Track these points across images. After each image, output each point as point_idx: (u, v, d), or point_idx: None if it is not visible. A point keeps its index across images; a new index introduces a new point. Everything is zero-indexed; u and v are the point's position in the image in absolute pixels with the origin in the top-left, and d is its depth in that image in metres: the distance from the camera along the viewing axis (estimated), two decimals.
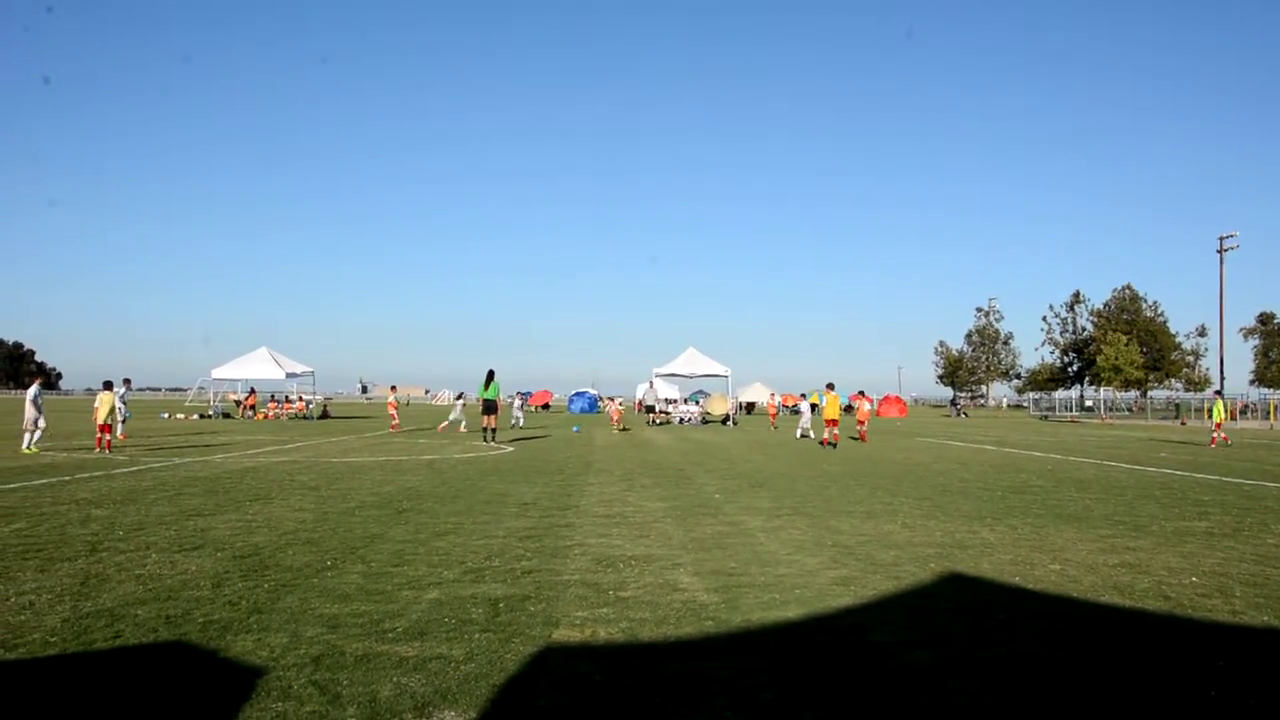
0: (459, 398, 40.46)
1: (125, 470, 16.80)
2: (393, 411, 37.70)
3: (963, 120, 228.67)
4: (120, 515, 10.81)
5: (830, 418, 27.90)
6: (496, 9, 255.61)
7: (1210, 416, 32.58)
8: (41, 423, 22.00)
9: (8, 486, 13.83)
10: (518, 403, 43.73)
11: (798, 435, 33.92)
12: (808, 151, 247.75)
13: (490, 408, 28.60)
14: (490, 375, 28.78)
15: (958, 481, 16.57)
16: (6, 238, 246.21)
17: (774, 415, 49.08)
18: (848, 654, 5.44)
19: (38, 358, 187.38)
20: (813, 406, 37.72)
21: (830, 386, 29.68)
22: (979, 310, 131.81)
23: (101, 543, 8.90)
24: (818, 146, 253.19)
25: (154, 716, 4.32)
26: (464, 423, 36.15)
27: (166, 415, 51.79)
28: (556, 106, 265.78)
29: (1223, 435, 31.68)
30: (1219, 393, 37.81)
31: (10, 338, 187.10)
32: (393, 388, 40.52)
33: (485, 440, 27.84)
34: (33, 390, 22.69)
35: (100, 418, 21.83)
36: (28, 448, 21.44)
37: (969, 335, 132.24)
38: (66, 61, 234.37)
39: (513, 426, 37.75)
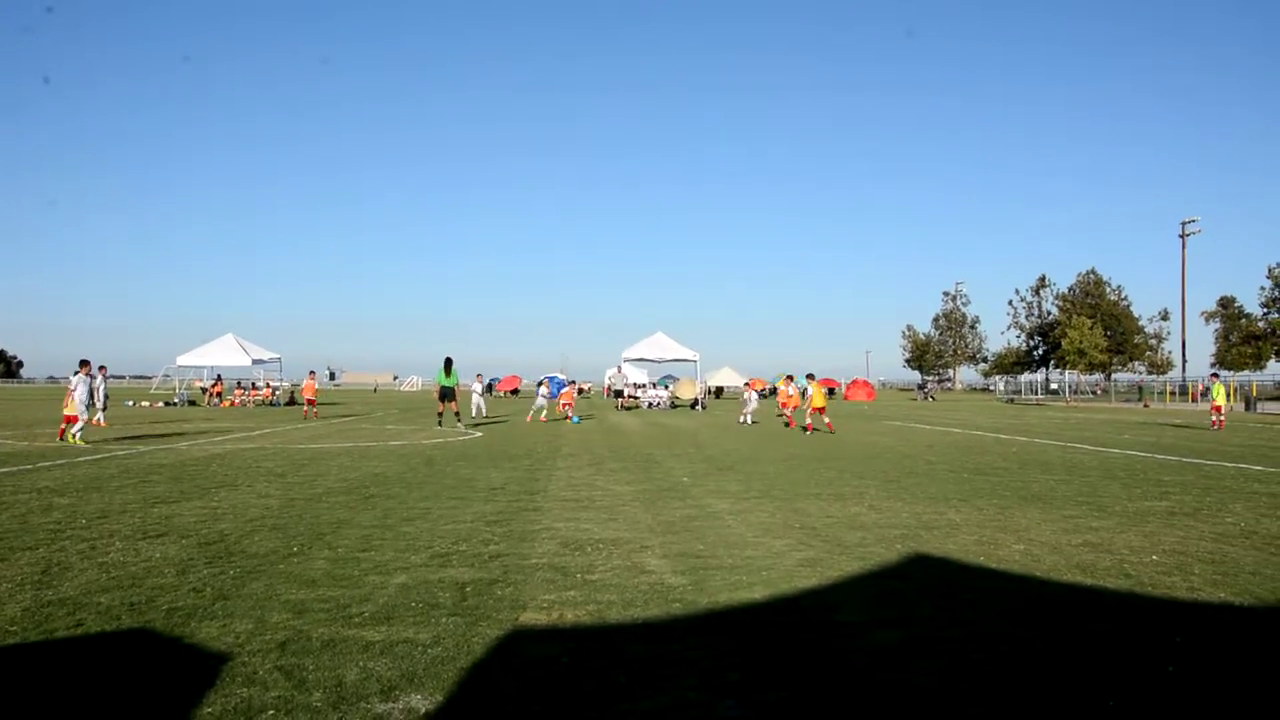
0: (540, 385, 38.47)
1: (88, 458, 16.60)
2: (310, 397, 37.50)
3: (931, 109, 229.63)
4: (83, 503, 10.69)
5: (818, 405, 27.27)
6: None
7: (1215, 398, 31.56)
8: (84, 414, 21.00)
9: None
10: (478, 388, 38.42)
11: (741, 421, 33.33)
12: (776, 139, 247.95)
13: (448, 394, 28.85)
14: (449, 362, 29.03)
15: (924, 464, 16.69)
16: None
17: (786, 404, 35.41)
18: (814, 634, 5.48)
19: None
20: (773, 390, 37.53)
21: (811, 377, 29.60)
22: (946, 294, 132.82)
23: (63, 531, 8.80)
24: (786, 134, 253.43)
25: (117, 703, 4.28)
26: (544, 411, 34.39)
27: (131, 403, 51.21)
28: (527, 94, 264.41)
29: (1219, 419, 30.69)
30: (1216, 374, 36.58)
31: None
32: (311, 373, 39.13)
33: (439, 425, 28.32)
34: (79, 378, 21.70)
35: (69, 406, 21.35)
36: (77, 437, 20.47)
37: (936, 319, 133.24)
38: (66, 61, 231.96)
39: (474, 417, 34.54)
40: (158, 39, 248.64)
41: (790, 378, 30.54)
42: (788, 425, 29.71)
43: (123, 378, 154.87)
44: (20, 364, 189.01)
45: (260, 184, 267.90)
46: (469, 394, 38.05)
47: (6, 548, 7.93)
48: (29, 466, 15.06)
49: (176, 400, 52.00)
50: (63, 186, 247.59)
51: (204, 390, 54.86)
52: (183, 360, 52.02)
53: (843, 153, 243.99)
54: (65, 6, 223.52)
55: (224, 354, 51.40)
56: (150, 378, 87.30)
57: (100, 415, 27.62)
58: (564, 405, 35.21)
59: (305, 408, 36.99)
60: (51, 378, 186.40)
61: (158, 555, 7.66)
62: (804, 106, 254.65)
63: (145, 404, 50.43)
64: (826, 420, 27.27)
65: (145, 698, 4.35)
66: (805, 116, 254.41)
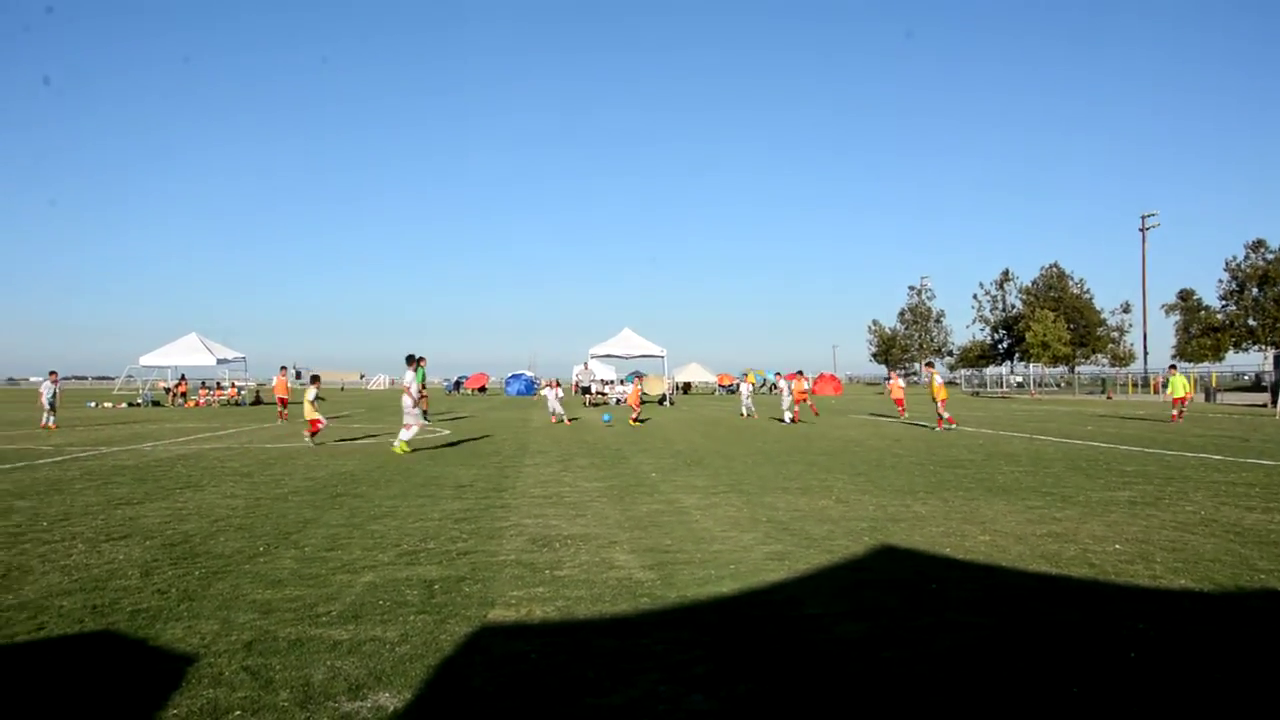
0: (556, 385, 33.03)
1: (50, 460, 16.39)
2: (282, 395, 34.10)
3: (894, 105, 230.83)
4: (44, 506, 10.55)
5: (942, 396, 26.03)
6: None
7: (1171, 391, 30.20)
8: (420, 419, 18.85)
9: None
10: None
11: (742, 414, 34.03)
12: (741, 136, 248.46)
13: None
14: (419, 360, 29.00)
15: (890, 457, 16.81)
16: None
17: (901, 403, 33.33)
18: (781, 627, 5.50)
19: None
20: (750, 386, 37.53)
21: (930, 365, 29.88)
22: (911, 289, 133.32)
23: (24, 534, 8.69)
24: (752, 132, 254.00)
25: (81, 706, 4.24)
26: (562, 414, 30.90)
27: (94, 404, 50.59)
28: (497, 90, 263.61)
29: (1179, 412, 29.26)
30: (1174, 366, 35.03)
31: None
32: (282, 369, 36.39)
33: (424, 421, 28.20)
34: (409, 376, 19.29)
35: (308, 413, 20.56)
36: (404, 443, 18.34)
37: (902, 313, 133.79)
38: (66, 61, 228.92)
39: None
40: (158, 39, 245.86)
41: (930, 365, 30.47)
42: (792, 421, 29.53)
43: (85, 378, 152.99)
44: None
45: (226, 181, 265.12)
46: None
47: None
48: None
49: (140, 401, 51.38)
50: (31, 185, 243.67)
51: (168, 391, 54.21)
52: (146, 360, 51.45)
53: (807, 149, 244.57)
54: (65, 6, 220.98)
55: (188, 354, 50.87)
56: (113, 378, 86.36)
57: (51, 419, 27.36)
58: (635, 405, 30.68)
59: (278, 408, 33.89)
60: (11, 379, 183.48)
61: (121, 557, 7.59)
62: (770, 105, 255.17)
63: (108, 405, 49.78)
64: (947, 415, 25.81)
65: (110, 700, 4.31)
66: (771, 114, 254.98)
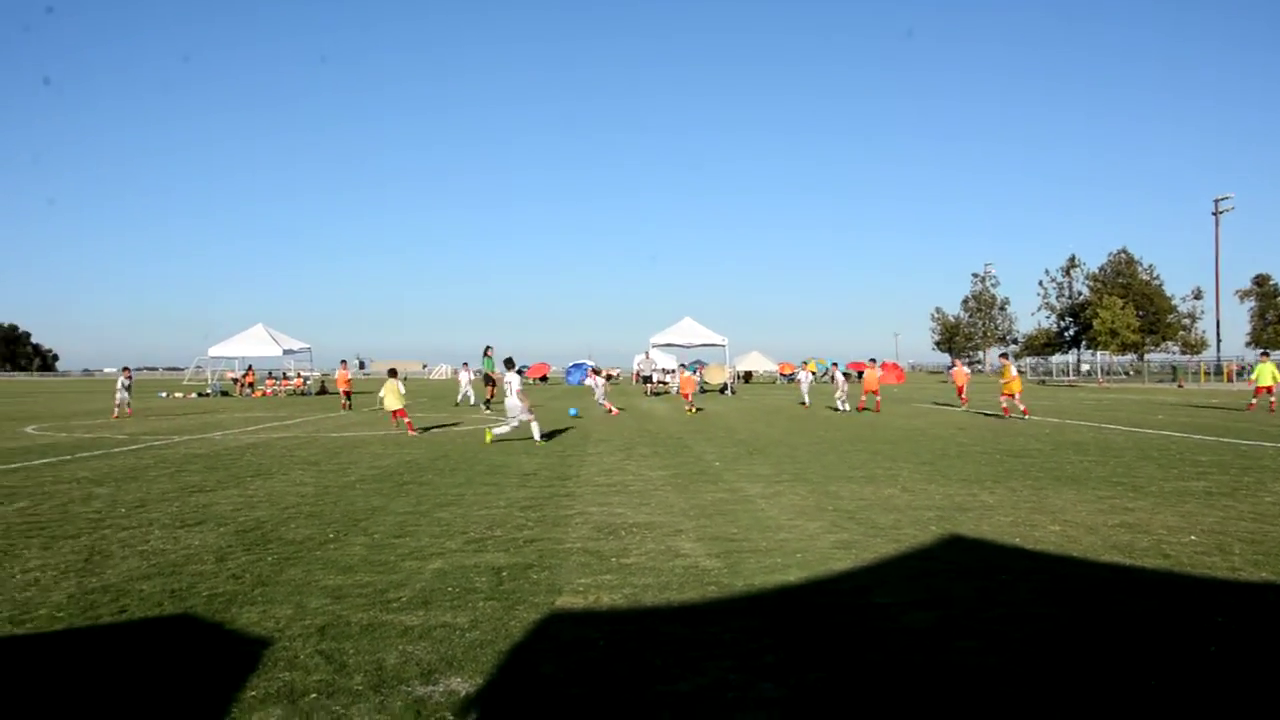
0: (600, 373, 33.54)
1: (125, 449, 16.81)
2: (344, 388, 34.49)
3: (959, 89, 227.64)
4: (122, 493, 10.83)
5: (1013, 390, 25.35)
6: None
7: (1256, 378, 28.28)
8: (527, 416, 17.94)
9: (9, 466, 13.87)
10: (465, 376, 36.01)
11: (803, 403, 33.19)
12: (803, 123, 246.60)
13: (489, 380, 31.78)
14: (486, 350, 31.70)
15: (956, 446, 16.59)
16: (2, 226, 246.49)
17: (961, 389, 33.22)
18: (849, 616, 5.47)
19: (34, 339, 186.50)
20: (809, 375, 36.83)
21: (1005, 356, 29.56)
22: (975, 276, 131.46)
23: (104, 520, 8.93)
24: (814, 119, 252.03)
25: (163, 687, 4.35)
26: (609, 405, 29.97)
27: (165, 394, 51.71)
28: (545, 83, 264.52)
29: (1271, 400, 27.37)
30: (1266, 353, 32.53)
31: (5, 320, 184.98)
32: (342, 363, 36.96)
33: (486, 409, 29.81)
34: (510, 376, 18.58)
35: (390, 405, 21.17)
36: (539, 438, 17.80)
37: (965, 301, 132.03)
38: (66, 61, 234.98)
39: (457, 404, 34.00)
40: (158, 39, 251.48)
41: (1005, 355, 30.20)
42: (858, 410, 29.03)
43: (156, 369, 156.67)
44: (56, 357, 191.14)
45: (286, 173, 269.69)
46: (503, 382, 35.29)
47: (50, 536, 8.07)
48: (68, 457, 15.27)
49: (209, 391, 52.45)
50: (83, 183, 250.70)
51: (236, 381, 55.33)
52: (214, 351, 52.52)
53: (871, 135, 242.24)
54: (65, 6, 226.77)
55: (255, 345, 51.79)
56: (183, 370, 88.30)
57: (125, 409, 28.54)
58: (687, 395, 30.57)
59: (342, 399, 34.25)
60: (87, 370, 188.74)
61: (196, 543, 7.77)
62: (831, 88, 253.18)
63: (179, 395, 50.86)
64: (1022, 407, 25.44)
65: (191, 681, 4.42)
66: (832, 98, 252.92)
